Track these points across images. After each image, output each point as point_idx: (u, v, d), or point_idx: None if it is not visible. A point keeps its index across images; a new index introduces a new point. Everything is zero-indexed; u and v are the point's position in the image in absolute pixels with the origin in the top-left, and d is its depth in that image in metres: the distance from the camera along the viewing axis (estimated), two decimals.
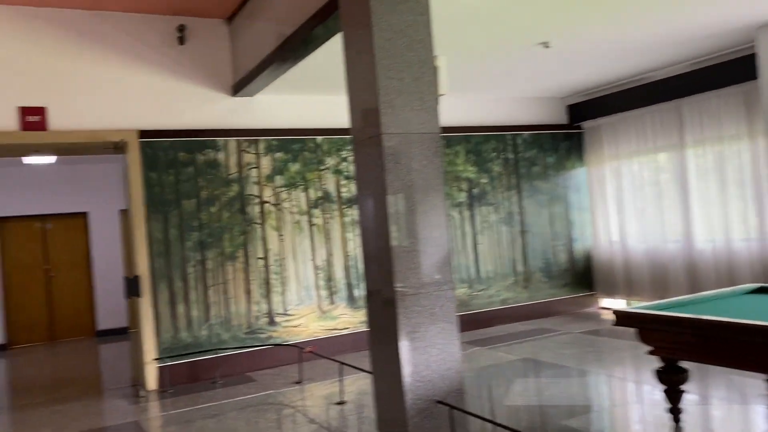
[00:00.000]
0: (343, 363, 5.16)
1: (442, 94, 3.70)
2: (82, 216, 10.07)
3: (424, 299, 3.51)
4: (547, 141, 8.20)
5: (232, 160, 6.33)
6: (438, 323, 3.54)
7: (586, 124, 8.34)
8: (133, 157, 5.88)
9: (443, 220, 3.60)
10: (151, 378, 5.84)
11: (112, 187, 10.04)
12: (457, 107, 7.48)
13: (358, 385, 5.40)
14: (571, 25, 5.36)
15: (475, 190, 7.65)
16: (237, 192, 6.33)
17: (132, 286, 5.78)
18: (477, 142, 7.70)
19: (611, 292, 8.16)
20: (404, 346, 3.40)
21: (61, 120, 5.64)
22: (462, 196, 7.53)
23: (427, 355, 3.49)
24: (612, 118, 7.95)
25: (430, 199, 3.56)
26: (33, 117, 5.53)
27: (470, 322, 7.26)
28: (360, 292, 6.84)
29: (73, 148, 5.98)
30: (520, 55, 6.10)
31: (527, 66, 6.56)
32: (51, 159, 8.10)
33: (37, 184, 9.66)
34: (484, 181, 7.71)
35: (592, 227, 8.38)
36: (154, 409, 5.34)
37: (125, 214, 6.14)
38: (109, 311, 10.02)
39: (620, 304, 7.93)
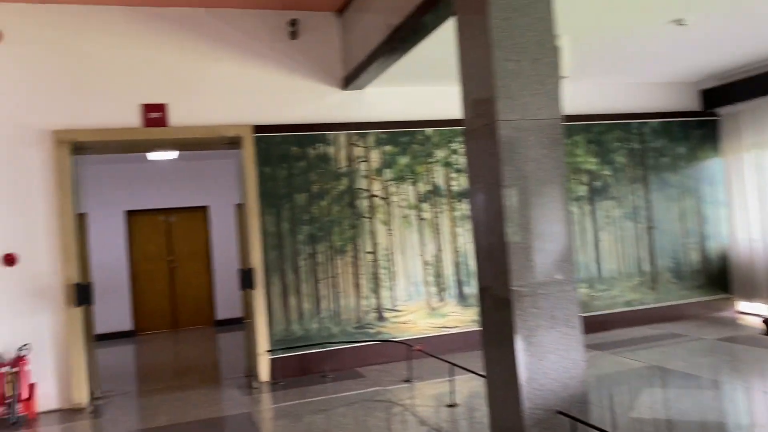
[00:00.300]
0: (454, 364, 4.96)
1: (565, 77, 3.39)
2: (203, 210, 10.52)
3: (542, 300, 3.23)
4: (677, 129, 7.53)
5: (342, 154, 6.29)
6: (558, 327, 3.25)
7: (723, 111, 7.57)
8: (248, 151, 5.98)
9: (564, 214, 3.30)
10: (264, 369, 5.92)
11: (230, 182, 10.41)
12: (577, 94, 7.02)
13: (469, 387, 5.17)
14: None
15: (597, 183, 7.16)
16: (346, 186, 6.29)
17: (246, 278, 5.88)
18: (599, 132, 7.20)
19: (751, 296, 7.37)
20: (520, 351, 3.15)
21: (180, 116, 5.82)
22: (582, 190, 7.07)
23: (547, 362, 3.21)
24: (753, 104, 7.16)
25: (550, 192, 3.27)
26: (154, 114, 5.75)
27: (590, 325, 6.79)
28: (470, 289, 6.60)
29: (192, 143, 6.17)
30: (650, 34, 5.59)
31: (657, 47, 6.01)
32: (173, 155, 8.48)
33: (161, 179, 10.19)
34: (606, 173, 7.20)
35: (728, 224, 7.61)
36: (266, 401, 5.39)
37: (240, 208, 6.26)
38: (226, 301, 10.41)
39: (762, 309, 7.14)
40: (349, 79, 6.15)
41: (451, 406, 4.77)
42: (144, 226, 10.27)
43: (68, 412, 5.36)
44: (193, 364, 7.34)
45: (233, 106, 5.98)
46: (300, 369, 6.03)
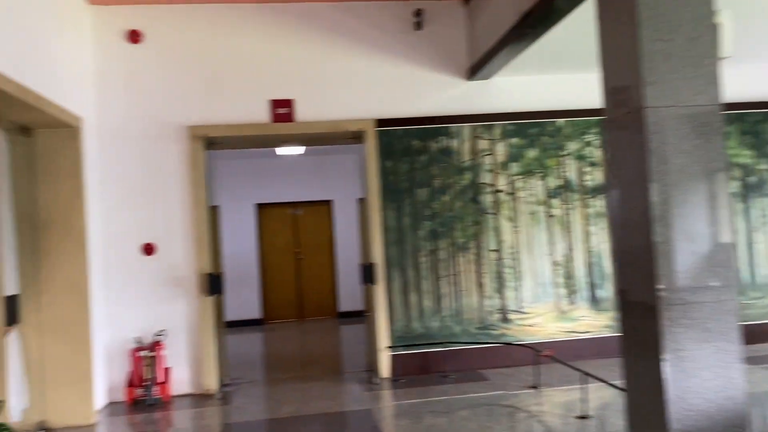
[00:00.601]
0: (587, 374, 4.60)
1: (726, 57, 2.98)
2: (327, 203, 10.71)
3: (695, 310, 2.86)
4: None
5: (466, 147, 6.07)
6: (713, 341, 2.86)
7: None
8: (370, 146, 5.93)
9: (723, 213, 2.90)
10: (384, 366, 5.86)
11: (353, 177, 10.53)
12: (729, 79, 6.30)
13: (601, 397, 4.80)
14: None
15: (751, 179, 6.42)
16: (470, 180, 6.06)
17: (367, 273, 5.84)
18: (756, 122, 6.44)
19: None
20: (668, 366, 2.80)
21: (306, 111, 5.88)
22: (734, 186, 6.37)
23: (699, 379, 2.84)
24: None
25: (706, 187, 2.89)
26: (282, 109, 5.85)
27: (743, 336, 6.11)
28: (604, 292, 6.14)
29: (317, 138, 6.22)
30: None
31: None
32: (299, 150, 8.67)
33: (289, 174, 10.49)
34: (763, 167, 6.43)
35: None
36: (386, 398, 5.32)
37: (362, 202, 6.23)
38: (348, 294, 10.54)
39: None
40: (475, 69, 5.91)
41: (582, 417, 4.43)
42: (273, 219, 10.63)
43: (199, 397, 5.59)
44: (317, 355, 7.45)
45: (356, 100, 5.95)
46: (420, 367, 5.91)
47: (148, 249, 5.66)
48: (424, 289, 5.97)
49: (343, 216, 10.59)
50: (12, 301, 4.36)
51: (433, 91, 6.04)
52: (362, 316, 10.22)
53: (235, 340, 8.91)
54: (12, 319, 4.34)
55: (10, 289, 4.56)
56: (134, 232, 5.66)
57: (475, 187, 6.06)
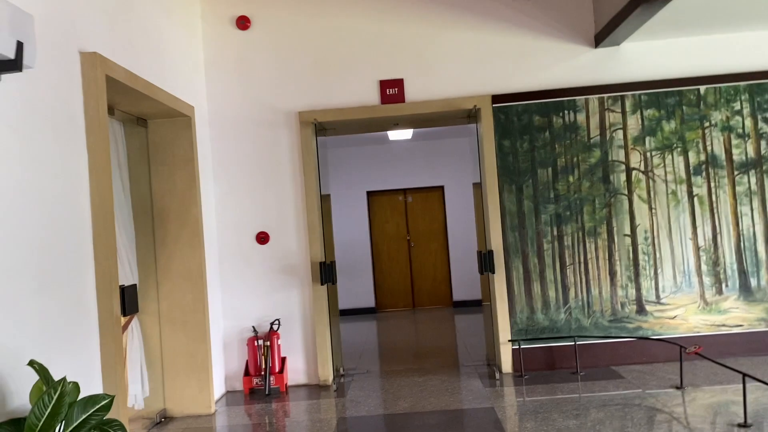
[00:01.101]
0: (746, 375, 3.98)
1: None
2: (439, 189, 10.38)
3: None
4: None
5: (594, 122, 5.51)
6: None
7: None
8: (486, 124, 5.53)
9: None
10: (506, 360, 5.47)
11: (465, 162, 10.13)
12: None
13: (759, 401, 4.15)
14: None
15: None
16: (598, 158, 5.50)
17: (485, 262, 5.46)
18: None
19: None
20: None
21: (416, 91, 5.57)
22: None
23: None
24: None
25: None
26: (392, 90, 5.57)
27: None
28: (759, 281, 5.39)
29: (428, 119, 5.90)
30: None
31: None
32: (408, 134, 8.39)
33: (399, 160, 10.25)
34: None
35: None
36: (509, 395, 4.93)
37: (478, 187, 5.84)
38: (463, 283, 10.18)
39: None
40: (602, 36, 5.34)
41: (743, 426, 3.83)
42: (384, 207, 10.46)
43: (314, 388, 5.47)
44: (432, 346, 7.16)
45: (470, 76, 5.56)
46: (546, 362, 5.46)
47: (262, 238, 5.60)
48: (548, 278, 5.51)
49: (456, 202, 10.22)
50: (131, 291, 4.39)
51: (555, 61, 5.53)
52: (478, 306, 9.84)
53: (348, 329, 8.82)
54: (132, 308, 4.37)
55: (129, 279, 4.61)
56: (248, 221, 5.61)
57: (605, 166, 5.50)
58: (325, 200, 5.81)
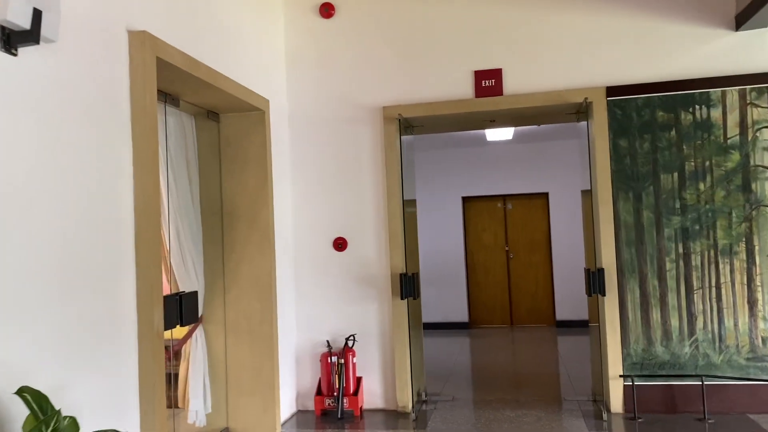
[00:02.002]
0: None
1: None
2: (542, 196, 9.53)
3: None
4: None
5: (732, 119, 4.59)
6: None
7: None
8: (599, 120, 4.74)
9: None
10: (616, 398, 4.65)
11: (572, 166, 9.23)
12: None
13: None
14: None
15: None
16: (737, 162, 4.57)
17: (594, 281, 4.67)
18: None
19: None
20: None
21: (516, 82, 4.89)
22: None
23: None
24: None
25: None
26: (488, 81, 4.92)
27: None
28: None
29: (531, 115, 5.19)
30: None
31: None
32: (507, 135, 7.68)
33: (499, 163, 9.51)
34: None
35: None
36: None
37: (588, 195, 5.05)
38: (568, 301, 9.27)
39: None
40: (745, 16, 4.42)
41: None
42: (481, 213, 9.74)
43: (391, 414, 4.90)
44: (530, 372, 6.39)
45: (579, 65, 4.81)
46: (665, 404, 4.58)
47: (340, 244, 5.11)
48: (670, 303, 4.63)
49: (561, 210, 9.33)
50: (190, 299, 4.02)
51: (684, 46, 4.66)
52: (584, 327, 8.91)
53: (436, 345, 8.19)
54: (190, 317, 3.99)
55: (193, 284, 4.25)
56: (325, 225, 5.15)
57: (746, 172, 4.55)
58: (409, 205, 5.24)
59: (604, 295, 4.63)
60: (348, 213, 5.12)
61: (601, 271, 4.64)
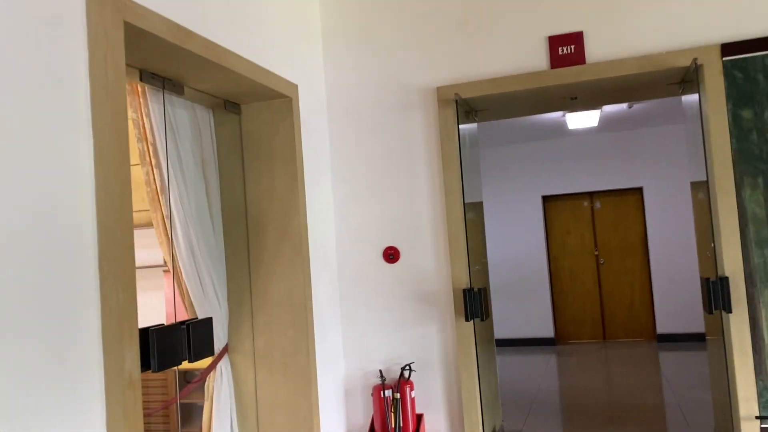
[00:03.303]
0: None
1: None
2: (636, 192, 8.35)
3: None
4: None
5: None
6: None
7: None
8: (713, 87, 3.70)
9: None
10: None
11: (670, 156, 8.02)
12: None
13: None
14: None
15: None
16: None
17: (715, 294, 3.62)
18: None
19: None
20: None
21: (602, 47, 3.92)
22: None
23: None
24: None
25: None
26: (566, 48, 3.98)
27: None
28: None
29: (621, 88, 4.19)
30: None
31: None
32: (593, 120, 6.64)
33: (583, 156, 8.41)
34: None
35: None
36: None
37: (700, 186, 4.00)
38: (669, 310, 8.04)
39: None
40: None
41: None
42: (564, 214, 8.66)
43: None
44: (630, 403, 5.32)
45: (683, 18, 3.78)
46: None
47: (391, 255, 4.29)
48: None
49: (659, 207, 8.12)
50: (202, 328, 3.31)
51: None
52: (691, 342, 7.67)
53: (517, 366, 7.21)
54: (201, 350, 3.28)
55: (213, 309, 3.55)
56: (372, 233, 4.35)
57: None
58: (473, 207, 4.35)
59: (729, 311, 3.57)
60: (399, 217, 4.30)
61: (723, 281, 3.58)
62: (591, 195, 8.44)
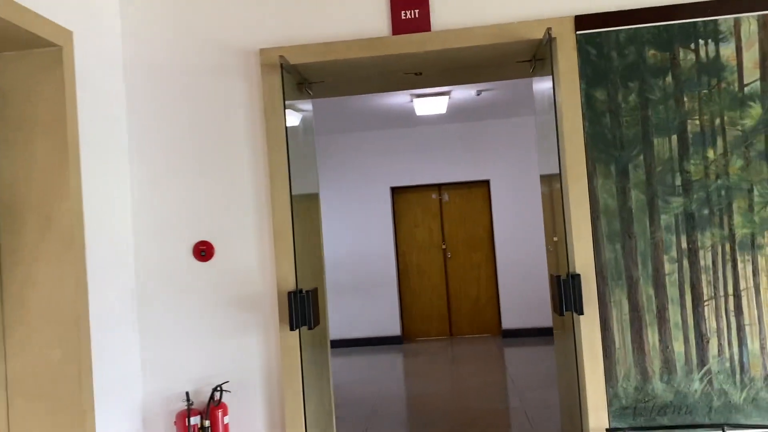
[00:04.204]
0: None
1: None
2: (483, 185, 8.18)
3: None
4: None
5: (749, 57, 3.27)
6: None
7: None
8: (566, 65, 3.34)
9: None
10: None
11: (516, 148, 7.93)
12: None
13: None
14: None
15: None
16: (760, 118, 3.26)
17: (566, 293, 3.26)
18: None
19: None
20: None
21: (449, 14, 3.43)
22: None
23: None
24: None
25: None
26: (409, 12, 3.44)
27: None
28: None
29: (470, 63, 3.75)
30: None
31: None
32: (441, 107, 6.29)
33: (433, 146, 8.11)
34: None
35: None
36: None
37: (549, 180, 3.66)
38: (515, 306, 7.97)
39: None
40: None
41: None
42: (413, 207, 8.31)
43: None
44: (475, 406, 4.97)
45: None
46: None
47: (203, 251, 3.53)
48: (671, 320, 3.28)
49: (505, 200, 8.02)
50: None
51: None
52: (535, 337, 7.62)
53: (361, 368, 6.72)
54: None
55: None
56: (177, 225, 3.56)
57: None
58: (304, 199, 3.70)
59: (581, 312, 3.22)
60: (214, 207, 3.55)
61: (574, 278, 3.23)
62: (439, 187, 8.17)
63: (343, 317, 8.13)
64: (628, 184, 3.32)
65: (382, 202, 7.99)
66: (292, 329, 3.32)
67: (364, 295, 7.95)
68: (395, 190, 8.13)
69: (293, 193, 3.42)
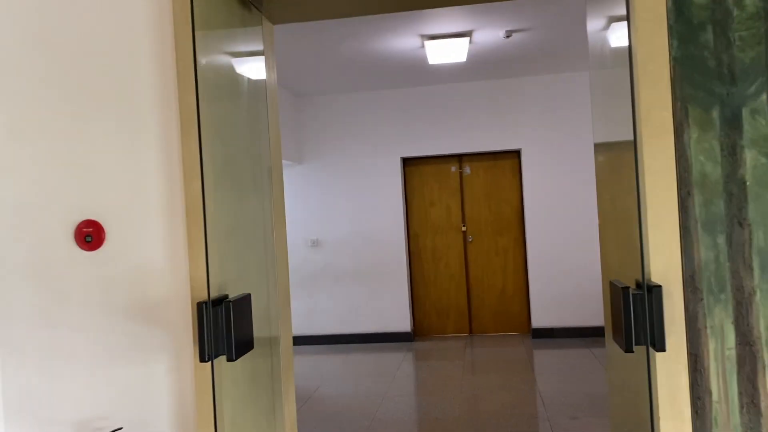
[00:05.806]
0: None
1: None
2: (513, 156, 6.97)
3: None
4: None
5: None
6: None
7: None
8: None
9: None
10: None
11: (557, 112, 6.68)
12: None
13: None
14: None
15: None
16: None
17: (636, 315, 2.04)
18: None
19: None
20: None
21: None
22: None
23: None
24: None
25: None
26: None
27: None
28: None
29: None
30: None
31: None
32: (461, 53, 5.09)
33: (449, 109, 6.91)
34: None
35: None
36: None
37: (608, 148, 2.43)
38: (547, 301, 6.78)
39: None
40: None
41: None
42: (428, 181, 7.18)
43: None
44: (501, 423, 3.82)
45: None
46: None
47: (89, 235, 2.41)
48: None
49: (539, 174, 6.83)
50: None
51: None
52: (572, 338, 6.43)
53: (361, 371, 5.63)
54: None
55: None
56: (50, 197, 2.44)
57: None
58: (245, 172, 2.53)
59: (662, 348, 2.00)
60: (104, 173, 2.42)
61: (654, 292, 2.01)
62: (460, 158, 6.96)
63: (342, 308, 7.05)
64: (740, 140, 2.08)
65: (391, 175, 6.81)
66: (202, 360, 2.18)
67: (369, 283, 6.83)
68: (407, 162, 6.93)
69: (226, 159, 2.26)
